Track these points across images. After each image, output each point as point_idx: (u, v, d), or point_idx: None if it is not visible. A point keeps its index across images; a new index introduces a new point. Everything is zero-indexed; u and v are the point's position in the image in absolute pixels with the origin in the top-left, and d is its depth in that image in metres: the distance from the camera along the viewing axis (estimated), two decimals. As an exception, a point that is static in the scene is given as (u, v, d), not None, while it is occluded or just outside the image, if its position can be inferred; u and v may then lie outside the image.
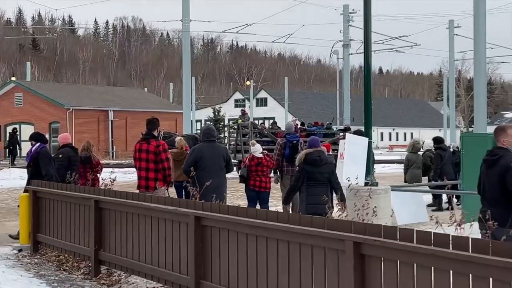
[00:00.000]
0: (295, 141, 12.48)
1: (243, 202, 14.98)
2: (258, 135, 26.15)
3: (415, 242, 4.56)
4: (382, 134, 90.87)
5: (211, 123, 45.02)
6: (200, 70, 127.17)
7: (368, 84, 12.40)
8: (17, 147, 37.22)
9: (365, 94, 12.37)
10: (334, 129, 31.89)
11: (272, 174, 12.93)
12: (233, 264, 6.20)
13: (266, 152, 12.99)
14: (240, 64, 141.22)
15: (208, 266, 6.54)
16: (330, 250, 5.20)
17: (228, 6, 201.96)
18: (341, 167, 11.38)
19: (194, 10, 29.86)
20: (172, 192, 12.64)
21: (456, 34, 44.69)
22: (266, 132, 26.38)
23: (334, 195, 9.64)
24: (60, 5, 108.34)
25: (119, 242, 8.11)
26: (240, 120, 28.16)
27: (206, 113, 55.69)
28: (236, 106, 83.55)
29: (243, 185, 12.62)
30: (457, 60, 51.19)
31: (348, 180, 9.13)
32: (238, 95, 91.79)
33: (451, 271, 4.32)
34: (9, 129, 43.05)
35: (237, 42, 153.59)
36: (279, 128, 28.93)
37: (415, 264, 4.57)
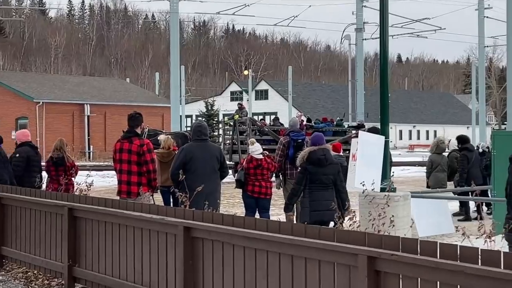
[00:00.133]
0: (300, 140, 12.49)
1: (240, 210, 14.98)
2: (258, 133, 26.18)
3: (438, 257, 4.56)
4: (401, 132, 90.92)
5: (203, 119, 45.06)
6: (190, 57, 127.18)
7: (384, 74, 12.41)
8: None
9: (381, 85, 12.38)
10: (346, 126, 31.93)
11: (273, 178, 12.94)
12: (229, 281, 6.21)
13: (267, 152, 13.01)
14: (237, 51, 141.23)
15: (199, 285, 6.55)
16: (340, 266, 5.20)
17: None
18: (354, 170, 11.39)
19: (184, -12, 29.90)
20: (158, 198, 12.64)
21: (487, 17, 44.70)
22: (266, 129, 26.40)
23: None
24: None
25: (96, 257, 8.11)
26: (237, 116, 28.18)
27: (197, 108, 55.73)
28: (232, 99, 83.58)
29: (240, 190, 12.64)
30: (487, 46, 51.24)
31: (363, 185, 9.13)
32: (234, 87, 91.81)
33: (480, 290, 4.33)
34: (-31, 126, 43.14)
35: (233, 25, 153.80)
36: (281, 124, 28.99)
37: (438, 282, 4.57)
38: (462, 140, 16.51)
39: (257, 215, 11.90)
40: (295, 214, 11.63)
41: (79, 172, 12.57)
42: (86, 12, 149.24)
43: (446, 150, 17.03)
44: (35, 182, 11.13)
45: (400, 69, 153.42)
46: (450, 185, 16.59)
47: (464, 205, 16.10)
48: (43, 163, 12.10)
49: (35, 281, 9.21)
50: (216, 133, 42.49)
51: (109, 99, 50.93)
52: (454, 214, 15.74)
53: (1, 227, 10.09)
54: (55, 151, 11.91)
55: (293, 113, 56.02)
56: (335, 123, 28.86)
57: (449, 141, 19.56)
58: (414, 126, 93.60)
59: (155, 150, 10.83)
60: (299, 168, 9.54)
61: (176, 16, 29.59)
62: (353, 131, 25.67)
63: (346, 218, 8.06)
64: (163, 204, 12.82)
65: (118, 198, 9.40)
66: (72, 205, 8.47)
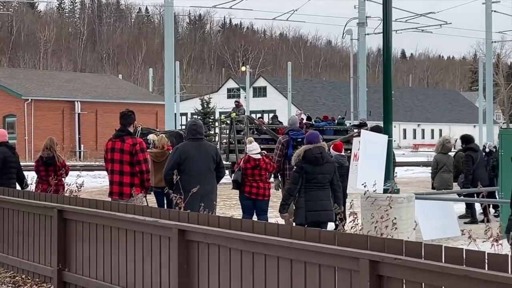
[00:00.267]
0: (299, 139, 12.49)
1: (237, 212, 14.99)
2: (256, 132, 26.18)
3: (443, 261, 4.57)
4: (405, 130, 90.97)
5: (199, 117, 45.03)
6: (185, 53, 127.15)
7: (388, 71, 12.42)
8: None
9: (384, 82, 12.38)
10: (347, 124, 31.95)
11: (272, 179, 12.94)
12: (225, 286, 6.21)
13: (265, 152, 13.00)
14: (234, 46, 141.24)
15: (194, 290, 6.55)
16: (341, 270, 5.21)
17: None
18: (356, 171, 11.39)
19: (179, -19, 29.91)
20: (151, 200, 12.64)
21: (494, 11, 44.69)
22: (265, 128, 26.41)
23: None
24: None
25: (87, 261, 8.11)
26: (234, 114, 28.17)
27: (192, 105, 55.64)
28: (229, 96, 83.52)
29: (237, 192, 12.64)
30: (495, 41, 51.26)
31: (364, 186, 9.14)
32: (231, 84, 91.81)
33: (486, 296, 4.33)
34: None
35: (230, 20, 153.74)
36: (280, 123, 28.98)
37: (443, 287, 4.58)
38: (467, 139, 16.43)
39: (254, 218, 11.91)
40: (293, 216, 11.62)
41: (70, 173, 12.58)
42: (76, 6, 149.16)
43: (452, 149, 17.02)
44: (13, 183, 11.15)
45: (404, 65, 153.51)
46: (456, 186, 16.59)
47: (470, 207, 16.10)
48: (26, 163, 12.11)
49: (23, 286, 9.21)
50: (212, 132, 42.46)
51: (100, 96, 50.90)
52: (460, 217, 15.76)
53: (-12, 230, 10.08)
54: (45, 150, 11.92)
55: (292, 111, 56.05)
56: (336, 121, 28.87)
57: (455, 141, 19.58)
58: (418, 124, 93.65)
59: (148, 150, 10.82)
60: (295, 167, 9.54)
61: (171, 10, 29.56)
62: (355, 130, 25.68)
63: (348, 220, 8.07)
64: (156, 206, 12.82)
65: (109, 199, 9.40)
66: (62, 207, 8.46)
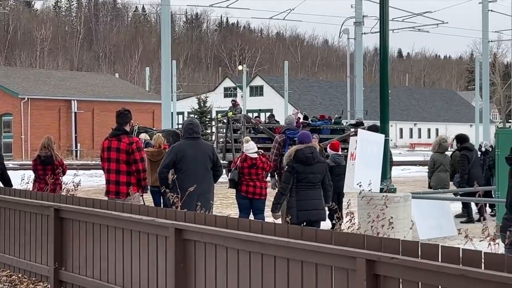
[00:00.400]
0: (296, 138, 12.49)
1: (233, 211, 14.99)
2: (252, 131, 26.18)
3: (440, 260, 4.57)
4: (401, 130, 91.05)
5: (195, 116, 45.02)
6: (182, 52, 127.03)
7: (384, 70, 12.43)
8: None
9: (381, 82, 12.40)
10: (344, 124, 31.96)
11: (268, 178, 12.94)
12: (222, 285, 6.21)
13: (262, 151, 13.00)
14: (231, 45, 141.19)
15: (191, 289, 6.55)
16: (338, 270, 5.21)
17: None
18: (352, 170, 11.40)
19: (176, -20, 29.92)
20: (148, 199, 12.64)
21: (491, 10, 44.76)
22: (261, 127, 26.40)
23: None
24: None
25: (83, 260, 8.10)
26: (231, 113, 28.17)
27: (189, 104, 55.62)
28: (225, 95, 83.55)
29: (233, 191, 12.63)
30: (492, 41, 51.31)
31: (360, 186, 9.15)
32: (228, 83, 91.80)
33: (483, 295, 4.34)
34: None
35: (227, 19, 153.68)
36: (277, 122, 28.95)
37: (440, 287, 4.58)
38: (461, 139, 16.39)
39: (251, 217, 11.91)
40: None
41: (66, 172, 12.56)
42: (73, 4, 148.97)
43: (449, 149, 17.03)
44: None
45: (401, 64, 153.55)
46: (452, 185, 16.60)
47: (466, 207, 16.11)
48: (23, 161, 12.12)
49: (19, 285, 9.20)
50: (208, 131, 42.47)
51: (97, 95, 50.85)
52: (457, 216, 15.77)
53: (-16, 229, 10.07)
54: (42, 149, 11.90)
55: (289, 110, 56.06)
56: (333, 120, 28.85)
57: (453, 140, 19.60)
58: (415, 124, 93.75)
59: (145, 149, 10.82)
60: (286, 167, 9.61)
61: (168, 9, 29.53)
62: (352, 129, 25.69)
63: (345, 220, 8.08)
64: (153, 205, 12.82)
65: (106, 198, 9.39)
66: (59, 206, 8.46)
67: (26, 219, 9.17)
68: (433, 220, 13.51)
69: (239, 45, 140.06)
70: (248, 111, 62.18)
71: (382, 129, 12.24)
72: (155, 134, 15.96)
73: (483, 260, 4.36)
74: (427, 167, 16.85)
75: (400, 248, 4.84)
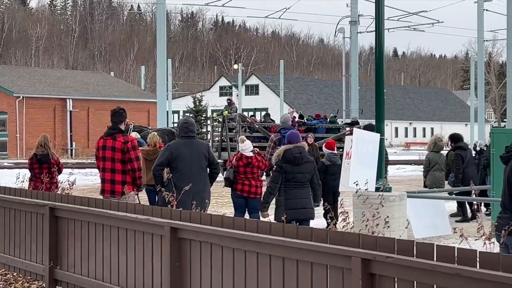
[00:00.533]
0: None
1: (229, 210, 14.99)
2: (248, 130, 26.17)
3: (435, 259, 4.57)
4: (396, 129, 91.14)
5: (191, 115, 44.98)
6: (178, 50, 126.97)
7: (380, 69, 12.43)
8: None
9: (376, 81, 12.40)
10: (340, 123, 31.98)
11: (264, 177, 12.94)
12: (217, 284, 6.20)
13: (257, 150, 13.00)
14: (227, 44, 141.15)
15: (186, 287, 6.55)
16: (333, 269, 5.21)
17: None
18: (348, 169, 11.40)
19: (171, -22, 29.87)
20: (143, 198, 12.63)
21: (486, 10, 44.82)
22: (257, 126, 26.40)
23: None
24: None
25: (79, 258, 8.09)
26: (226, 112, 28.16)
27: (184, 103, 55.56)
28: (221, 94, 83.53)
29: (228, 190, 12.63)
30: (487, 40, 51.38)
31: (356, 185, 9.16)
32: (223, 81, 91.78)
33: (478, 294, 4.34)
34: None
35: (222, 17, 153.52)
36: (273, 121, 28.97)
37: (435, 286, 4.58)
38: (455, 138, 16.37)
39: (246, 216, 11.91)
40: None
41: (62, 171, 12.54)
42: (68, 3, 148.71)
43: (445, 148, 17.04)
44: None
45: (396, 63, 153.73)
46: (447, 185, 16.62)
47: (461, 206, 16.12)
48: (18, 160, 12.11)
49: (14, 284, 9.19)
50: (204, 130, 42.43)
51: (92, 94, 50.80)
52: (452, 215, 15.79)
53: (-21, 227, 10.05)
54: (39, 147, 11.89)
55: (284, 109, 56.08)
56: (328, 119, 28.87)
57: (448, 139, 19.62)
58: (410, 123, 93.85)
59: (140, 148, 10.82)
60: (275, 167, 9.68)
61: (163, 7, 29.51)
62: (348, 128, 25.71)
63: (339, 219, 8.09)
64: (148, 204, 12.80)
65: (101, 197, 9.38)
66: (54, 205, 8.44)
67: (21, 218, 9.15)
68: (428, 219, 13.52)
69: (235, 44, 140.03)
70: (243, 110, 62.18)
71: (378, 128, 12.25)
72: (151, 133, 15.94)
73: (478, 259, 4.37)
74: (422, 166, 16.85)
75: (395, 247, 4.84)
